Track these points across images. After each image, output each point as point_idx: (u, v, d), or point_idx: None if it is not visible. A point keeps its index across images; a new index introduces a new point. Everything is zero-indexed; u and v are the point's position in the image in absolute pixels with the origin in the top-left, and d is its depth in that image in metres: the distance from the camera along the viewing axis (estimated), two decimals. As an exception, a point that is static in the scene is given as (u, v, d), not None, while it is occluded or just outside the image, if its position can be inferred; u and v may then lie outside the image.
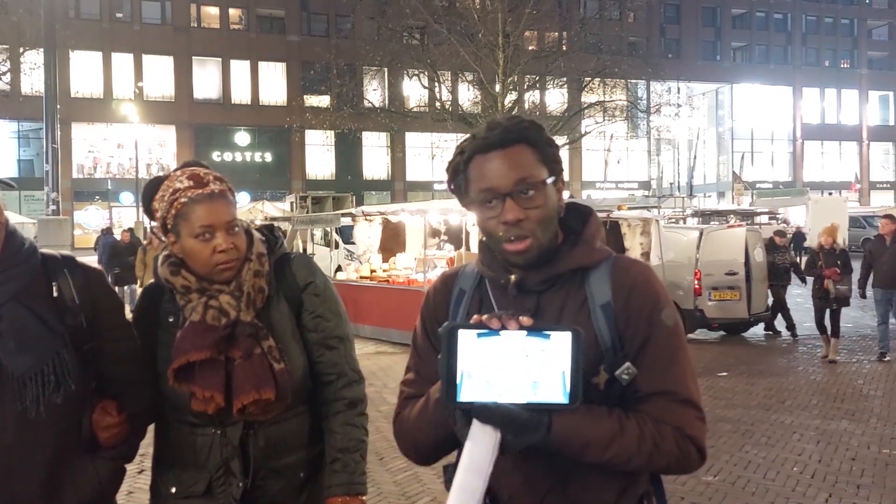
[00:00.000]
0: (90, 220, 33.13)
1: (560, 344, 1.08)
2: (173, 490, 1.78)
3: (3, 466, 1.51)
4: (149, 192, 1.78)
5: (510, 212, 1.23)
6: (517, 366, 1.08)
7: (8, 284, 1.55)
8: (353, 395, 1.85)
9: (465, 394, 1.08)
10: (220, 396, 1.67)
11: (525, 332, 1.08)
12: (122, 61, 38.37)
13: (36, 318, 1.55)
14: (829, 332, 8.72)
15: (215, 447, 1.74)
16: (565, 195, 1.36)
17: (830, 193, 42.80)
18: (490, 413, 1.09)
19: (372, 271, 11.57)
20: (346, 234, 15.46)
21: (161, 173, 1.82)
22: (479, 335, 1.09)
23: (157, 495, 1.83)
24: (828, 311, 8.67)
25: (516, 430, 1.10)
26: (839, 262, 8.58)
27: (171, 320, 1.77)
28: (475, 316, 1.14)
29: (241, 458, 1.74)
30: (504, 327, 1.09)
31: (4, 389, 1.50)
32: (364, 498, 1.82)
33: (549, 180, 1.27)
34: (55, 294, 1.60)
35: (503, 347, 1.08)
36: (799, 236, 24.68)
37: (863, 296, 8.98)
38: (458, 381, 1.09)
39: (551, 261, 1.26)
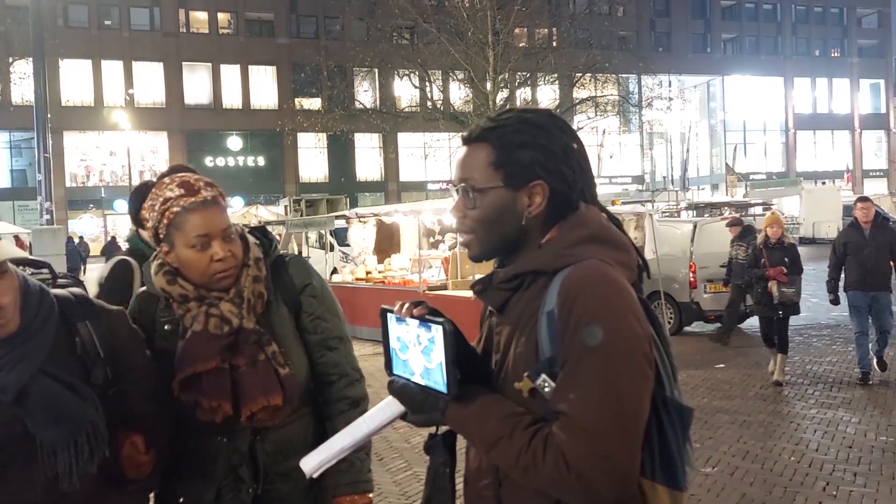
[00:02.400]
0: (85, 228, 33.09)
1: (438, 336, 1.16)
2: (181, 500, 1.77)
3: None
4: (136, 200, 1.76)
5: (453, 207, 1.30)
6: (417, 351, 1.19)
7: (31, 358, 1.48)
8: (356, 393, 1.86)
9: (395, 367, 1.24)
10: (228, 405, 1.66)
11: (417, 322, 1.18)
12: (112, 69, 38.27)
13: (65, 388, 1.48)
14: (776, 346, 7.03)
15: (223, 455, 1.72)
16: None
17: (824, 183, 42.94)
18: (394, 388, 1.24)
19: (367, 273, 11.57)
20: (341, 237, 15.45)
21: (149, 179, 1.79)
22: (397, 320, 1.22)
23: None
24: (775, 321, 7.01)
25: (413, 407, 1.23)
26: (786, 260, 6.89)
27: (167, 328, 1.74)
28: (398, 303, 1.25)
29: (250, 464, 1.73)
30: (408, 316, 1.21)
31: (32, 453, 1.45)
32: (371, 495, 1.82)
33: (495, 186, 1.24)
34: (79, 352, 1.54)
35: (409, 334, 1.20)
36: (747, 230, 24.64)
37: (835, 302, 7.13)
38: (390, 355, 1.24)
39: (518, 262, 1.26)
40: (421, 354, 1.18)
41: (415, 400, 1.22)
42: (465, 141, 1.30)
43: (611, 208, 10.69)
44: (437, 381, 1.17)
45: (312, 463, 1.31)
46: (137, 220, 1.78)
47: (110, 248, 27.57)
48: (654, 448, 1.16)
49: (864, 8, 54.45)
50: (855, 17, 54.12)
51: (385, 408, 1.26)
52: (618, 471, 1.09)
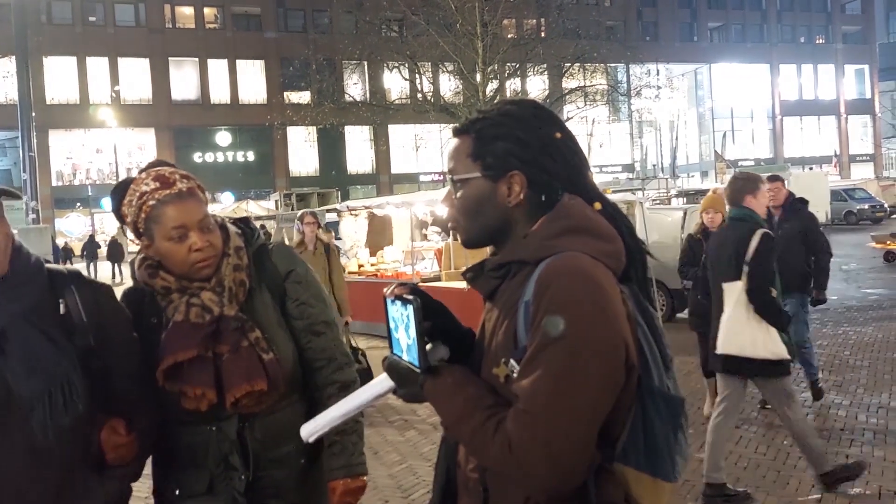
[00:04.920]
0: (72, 227, 32.83)
1: (410, 313, 1.23)
2: (177, 492, 1.78)
3: (13, 493, 1.48)
4: (117, 196, 1.77)
5: (444, 196, 1.36)
6: (402, 329, 1.27)
7: (16, 303, 1.51)
8: (345, 378, 1.87)
9: (393, 347, 1.31)
10: (211, 393, 1.67)
11: (400, 302, 1.26)
12: (98, 65, 37.94)
13: (45, 339, 1.51)
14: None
15: (212, 444, 1.74)
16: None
17: (811, 168, 43.23)
18: (385, 364, 1.30)
19: (360, 266, 11.56)
20: (333, 230, 15.44)
21: (129, 177, 1.81)
22: (391, 302, 1.29)
23: (161, 500, 1.83)
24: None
25: (399, 381, 1.28)
26: None
27: (153, 321, 1.76)
28: (395, 284, 1.33)
29: (241, 451, 1.74)
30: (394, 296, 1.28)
31: (12, 417, 1.47)
32: (365, 478, 1.85)
33: (474, 176, 1.28)
34: (62, 312, 1.57)
35: (397, 312, 1.28)
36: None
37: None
38: (390, 337, 1.31)
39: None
40: (404, 332, 1.26)
41: (400, 374, 1.27)
42: (454, 133, 1.34)
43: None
44: (414, 357, 1.24)
45: (309, 428, 1.38)
46: (120, 217, 1.78)
47: (90, 247, 27.48)
48: (639, 438, 1.17)
49: (849, -6, 54.70)
50: (839, 4, 54.35)
51: (379, 382, 1.32)
52: (557, 458, 1.09)
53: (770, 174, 5.59)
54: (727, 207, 4.30)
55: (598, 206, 1.28)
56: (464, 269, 1.38)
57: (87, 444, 1.58)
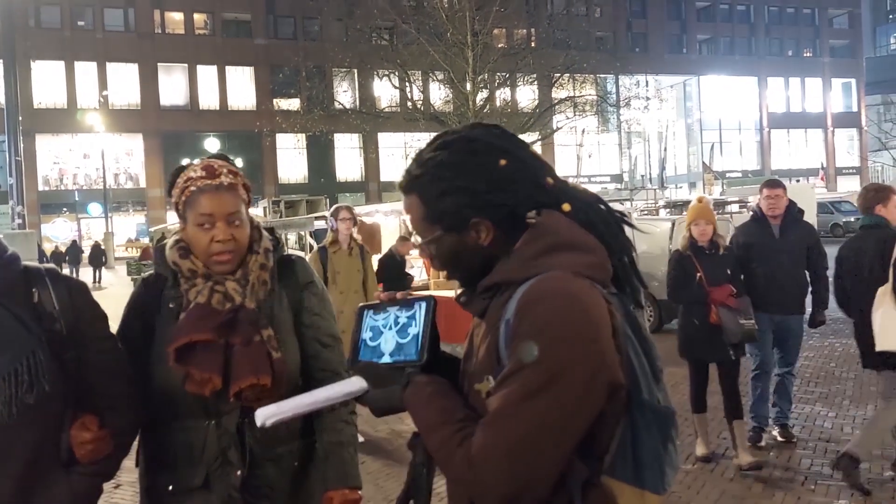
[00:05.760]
0: (58, 232, 32.55)
1: (420, 311, 1.27)
2: (170, 488, 1.79)
3: None
4: (172, 178, 1.86)
5: (419, 251, 1.41)
6: (391, 333, 1.29)
7: None
8: None
9: (362, 356, 1.32)
10: (218, 379, 1.70)
11: (398, 306, 1.29)
12: (86, 70, 37.76)
13: (12, 317, 1.54)
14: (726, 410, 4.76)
15: (211, 438, 1.76)
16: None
17: (798, 181, 43.56)
18: (359, 366, 1.29)
19: (348, 274, 11.50)
20: (321, 238, 15.35)
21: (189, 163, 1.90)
22: (374, 311, 1.32)
23: (151, 495, 1.83)
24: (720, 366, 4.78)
25: (376, 381, 1.26)
26: (730, 272, 4.65)
27: (171, 306, 1.81)
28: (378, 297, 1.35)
29: (239, 446, 1.77)
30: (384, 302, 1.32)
31: None
32: (360, 492, 1.87)
33: (438, 236, 1.27)
34: (35, 301, 1.60)
35: (385, 320, 1.30)
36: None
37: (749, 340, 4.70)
38: (358, 347, 1.32)
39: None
40: (395, 335, 1.27)
41: (379, 374, 1.26)
42: (400, 190, 1.33)
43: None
44: (410, 352, 1.24)
45: (267, 412, 1.35)
46: (170, 197, 1.89)
47: (73, 252, 27.30)
48: (627, 451, 1.16)
49: (836, 9, 55.41)
50: (826, 18, 55.04)
51: (348, 382, 1.32)
52: (516, 473, 1.08)
53: (768, 180, 5.26)
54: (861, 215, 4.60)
55: (566, 207, 1.26)
56: (455, 293, 1.37)
57: (55, 434, 1.59)
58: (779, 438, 5.15)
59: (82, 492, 1.64)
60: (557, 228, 1.22)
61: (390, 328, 1.28)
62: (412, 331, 1.25)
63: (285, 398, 1.77)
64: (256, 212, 23.08)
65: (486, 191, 1.23)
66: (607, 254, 1.24)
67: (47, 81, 36.81)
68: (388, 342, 1.27)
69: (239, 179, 1.82)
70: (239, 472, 1.77)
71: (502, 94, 29.06)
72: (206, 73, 40.10)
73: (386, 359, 1.27)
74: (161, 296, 1.83)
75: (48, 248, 29.50)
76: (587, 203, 1.29)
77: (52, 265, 1.75)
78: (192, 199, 1.77)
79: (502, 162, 1.24)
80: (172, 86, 39.60)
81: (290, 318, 1.87)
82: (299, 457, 1.86)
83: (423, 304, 1.26)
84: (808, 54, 54.78)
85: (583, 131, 35.62)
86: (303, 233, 15.47)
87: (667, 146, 45.24)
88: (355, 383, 1.29)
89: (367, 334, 1.32)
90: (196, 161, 1.86)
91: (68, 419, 1.61)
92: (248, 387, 1.71)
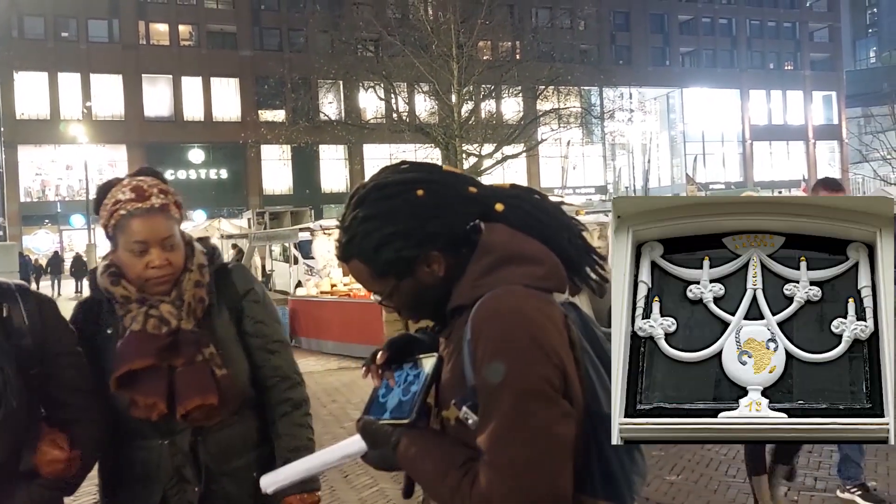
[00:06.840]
0: (40, 244, 32.21)
1: (424, 371, 1.25)
2: None
3: None
4: (99, 196, 1.80)
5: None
6: (399, 390, 1.27)
7: None
8: (298, 396, 1.93)
9: (371, 412, 1.30)
10: (162, 404, 1.69)
11: (410, 364, 1.28)
12: (69, 81, 37.46)
13: None
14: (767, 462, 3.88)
15: (165, 457, 1.75)
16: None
17: (780, 192, 44.06)
18: (360, 425, 1.26)
19: (332, 286, 11.47)
20: (306, 249, 15.30)
21: (115, 178, 1.84)
22: (396, 368, 1.30)
23: None
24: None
25: (371, 441, 1.24)
26: None
27: (109, 332, 1.77)
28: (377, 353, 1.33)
29: (193, 464, 1.76)
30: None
31: None
32: (319, 493, 1.86)
33: (393, 287, 1.25)
34: (4, 315, 1.60)
35: (400, 377, 1.29)
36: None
37: None
38: (371, 401, 1.32)
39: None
40: (400, 392, 1.26)
41: (376, 433, 1.24)
42: (340, 260, 1.31)
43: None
44: (405, 410, 1.22)
45: (269, 479, 1.39)
46: (98, 215, 1.84)
47: (55, 262, 27.04)
48: (593, 465, 1.15)
49: (816, 23, 56.30)
50: (807, 32, 55.88)
51: (349, 444, 1.31)
52: (539, 500, 1.08)
53: (827, 178, 4.34)
54: None
55: (500, 207, 1.25)
56: (428, 329, 1.36)
57: (18, 447, 1.58)
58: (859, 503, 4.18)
59: (41, 503, 1.63)
60: (501, 243, 1.21)
61: (399, 385, 1.27)
62: (413, 388, 1.24)
63: (236, 413, 1.82)
64: (241, 223, 22.95)
65: (417, 227, 1.21)
66: (557, 258, 1.23)
67: (30, 92, 36.47)
68: (393, 399, 1.27)
69: (170, 198, 1.77)
70: (196, 489, 1.76)
71: (487, 106, 29.19)
72: (191, 85, 39.94)
73: (386, 416, 1.26)
74: (98, 320, 1.80)
75: (35, 257, 29.17)
76: (519, 197, 1.28)
77: (22, 282, 1.74)
78: (123, 224, 1.71)
79: (419, 193, 1.22)
80: (157, 97, 39.39)
81: (232, 329, 1.85)
82: (258, 467, 1.83)
83: (431, 362, 1.24)
84: (790, 67, 55.54)
85: (567, 143, 35.85)
86: (287, 244, 15.39)
87: (650, 158, 45.54)
88: (354, 444, 1.28)
89: (382, 390, 1.31)
90: (125, 179, 1.79)
91: (32, 432, 1.60)
92: (194, 408, 1.70)
